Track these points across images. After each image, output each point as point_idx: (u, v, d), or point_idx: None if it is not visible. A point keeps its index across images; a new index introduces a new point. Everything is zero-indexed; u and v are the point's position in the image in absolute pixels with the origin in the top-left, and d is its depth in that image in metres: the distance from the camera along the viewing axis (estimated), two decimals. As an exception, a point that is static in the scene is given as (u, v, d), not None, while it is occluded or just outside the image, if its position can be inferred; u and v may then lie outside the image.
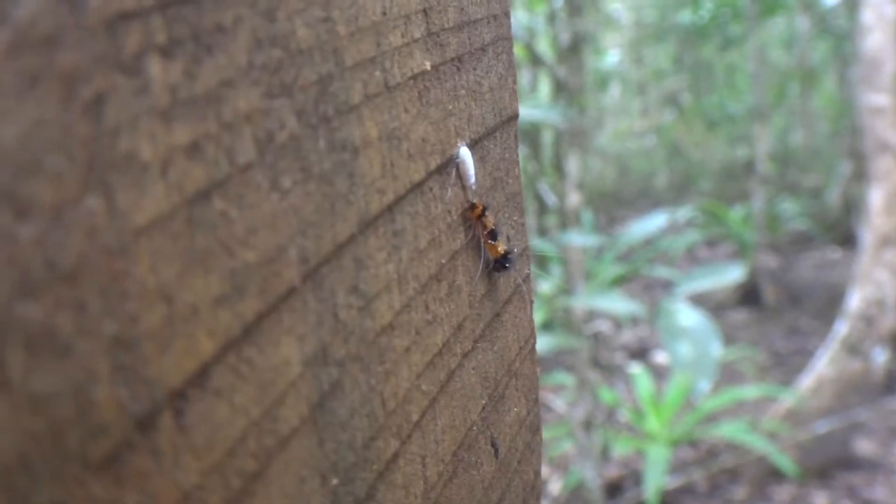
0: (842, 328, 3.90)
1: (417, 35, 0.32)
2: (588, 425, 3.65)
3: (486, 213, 0.38)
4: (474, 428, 0.34)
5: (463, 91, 0.37)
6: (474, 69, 0.38)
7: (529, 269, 0.44)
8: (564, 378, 4.23)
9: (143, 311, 0.19)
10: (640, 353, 6.03)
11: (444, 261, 0.34)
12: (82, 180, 0.18)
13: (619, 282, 6.47)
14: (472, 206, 0.37)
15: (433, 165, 0.33)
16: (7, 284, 0.17)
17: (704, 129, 11.02)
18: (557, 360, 5.34)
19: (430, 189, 0.33)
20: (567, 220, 4.08)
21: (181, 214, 0.20)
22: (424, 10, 0.33)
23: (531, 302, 0.42)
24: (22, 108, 0.17)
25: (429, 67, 0.33)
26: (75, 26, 0.18)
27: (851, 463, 4.02)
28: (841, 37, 8.41)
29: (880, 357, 3.85)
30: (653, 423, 3.79)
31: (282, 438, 0.23)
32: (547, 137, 5.74)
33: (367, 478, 0.26)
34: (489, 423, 0.35)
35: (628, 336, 6.48)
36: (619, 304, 3.58)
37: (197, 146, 0.21)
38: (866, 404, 4.06)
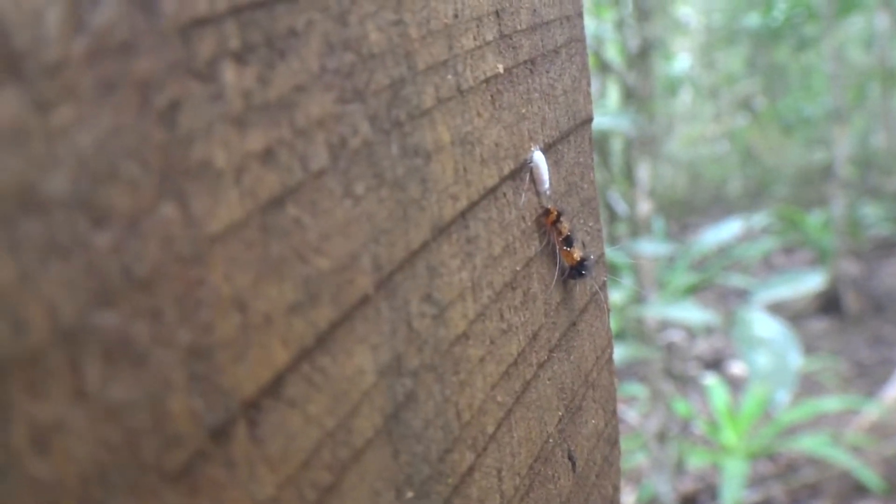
0: (929, 337, 3.75)
1: (490, 37, 0.32)
2: (662, 437, 3.58)
3: (562, 219, 0.37)
4: (551, 440, 0.33)
5: (536, 94, 0.36)
6: (547, 72, 0.37)
7: (606, 277, 0.43)
8: (637, 389, 4.16)
9: (217, 319, 0.18)
10: (715, 363, 5.89)
11: (518, 268, 0.33)
12: (157, 188, 0.18)
13: (693, 291, 6.35)
14: (547, 212, 0.37)
15: (507, 170, 0.33)
16: (84, 293, 0.17)
17: (779, 132, 10.74)
18: (630, 370, 5.26)
19: (504, 194, 0.32)
20: (638, 228, 4.02)
21: (255, 222, 0.20)
22: (497, 12, 0.32)
23: (608, 310, 0.41)
24: (99, 115, 0.17)
25: (501, 70, 0.33)
26: (150, 33, 0.18)
27: (943, 478, 3.85)
28: (924, 35, 8.11)
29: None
30: (729, 436, 3.69)
31: (356, 450, 0.22)
32: (616, 145, 5.68)
33: (443, 491, 0.25)
34: (566, 435, 0.34)
35: (702, 346, 6.35)
36: (692, 313, 3.50)
37: (270, 152, 0.21)
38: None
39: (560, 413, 0.34)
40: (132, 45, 0.18)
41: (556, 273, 0.37)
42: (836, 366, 5.28)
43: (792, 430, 4.37)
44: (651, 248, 3.57)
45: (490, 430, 0.28)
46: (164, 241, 0.18)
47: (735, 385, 5.23)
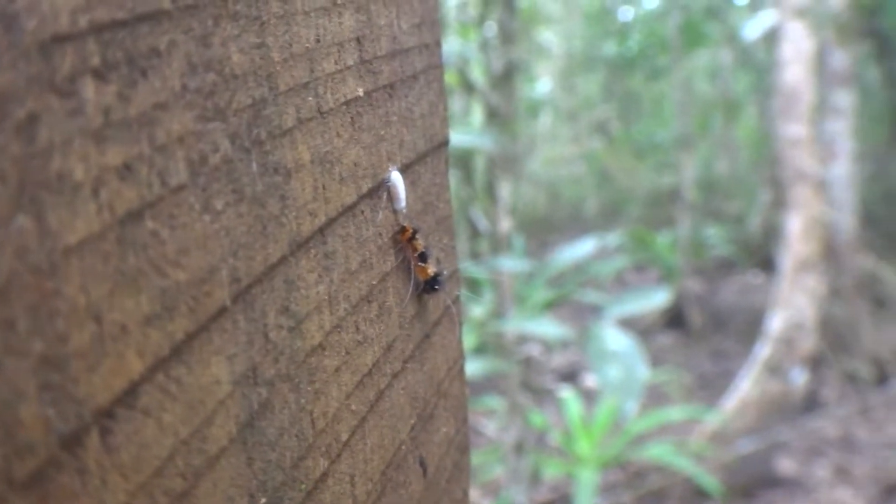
0: (763, 350, 4.03)
1: (350, 62, 0.33)
2: (519, 449, 3.67)
3: (417, 237, 0.39)
4: (403, 447, 0.34)
5: (395, 117, 0.38)
6: (406, 96, 0.39)
7: (459, 292, 0.45)
8: (495, 402, 4.25)
9: (72, 329, 0.19)
10: (570, 376, 6.10)
11: (374, 282, 0.34)
12: (13, 200, 0.18)
13: (550, 306, 6.55)
14: (403, 230, 0.38)
15: (365, 189, 0.34)
16: (-67, 303, 0.17)
17: (632, 156, 11.30)
18: (489, 384, 5.37)
19: (362, 212, 0.34)
20: (499, 245, 4.12)
21: (112, 234, 0.20)
22: (358, 39, 0.34)
23: (460, 324, 0.43)
24: (-48, 128, 0.17)
25: (361, 94, 0.34)
26: (10, 47, 0.18)
27: (773, 482, 4.13)
28: (761, 70, 8.75)
29: (799, 378, 3.98)
30: (582, 446, 3.83)
31: (210, 458, 0.23)
32: (479, 163, 5.80)
33: (296, 497, 0.26)
34: (418, 442, 0.35)
35: (559, 360, 6.56)
36: (549, 328, 3.62)
37: (129, 167, 0.21)
38: (787, 424, 4.18)
39: (412, 421, 0.36)
40: (-9, 59, 0.18)
41: (411, 287, 0.38)
42: (680, 378, 5.58)
43: (641, 440, 4.58)
44: (511, 264, 3.68)
45: (344, 437, 0.30)
46: (19, 252, 0.19)
47: (589, 397, 5.42)
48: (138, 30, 0.21)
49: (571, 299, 6.96)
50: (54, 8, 0.19)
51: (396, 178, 0.36)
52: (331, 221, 0.30)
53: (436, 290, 0.40)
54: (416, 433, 0.35)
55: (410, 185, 0.38)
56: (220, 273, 0.24)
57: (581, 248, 5.01)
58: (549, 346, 5.82)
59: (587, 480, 3.38)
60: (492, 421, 4.82)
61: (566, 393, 4.28)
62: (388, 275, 0.35)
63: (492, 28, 4.59)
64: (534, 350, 5.04)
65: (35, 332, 0.18)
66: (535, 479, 3.96)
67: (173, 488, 0.21)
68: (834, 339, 5.69)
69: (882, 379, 5.23)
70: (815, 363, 5.31)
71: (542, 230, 11.08)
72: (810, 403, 5.06)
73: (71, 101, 0.20)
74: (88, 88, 0.20)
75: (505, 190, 4.15)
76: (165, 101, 0.23)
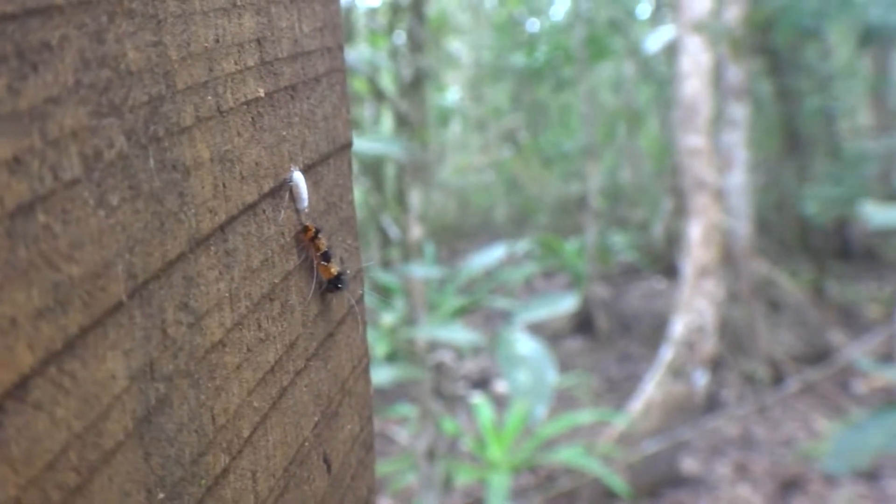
0: (667, 353, 4.15)
1: (251, 63, 0.33)
2: (431, 456, 3.69)
3: (319, 236, 0.40)
4: (307, 444, 0.34)
5: (297, 118, 0.38)
6: (308, 98, 0.40)
7: (363, 291, 0.46)
8: (407, 409, 4.25)
9: (-40, 322, 0.19)
10: (482, 383, 6.15)
11: (277, 280, 0.34)
12: None
13: (461, 313, 6.60)
14: (305, 229, 0.39)
15: (266, 188, 0.34)
16: None
17: (541, 165, 11.49)
18: (400, 391, 5.36)
19: (264, 211, 0.34)
20: (410, 252, 4.13)
21: (2, 227, 0.20)
22: (258, 40, 0.34)
23: (364, 323, 0.43)
24: None
25: (262, 94, 0.34)
26: None
27: (678, 481, 4.26)
28: (662, 82, 9.05)
29: (701, 380, 4.12)
30: (494, 452, 3.87)
31: (105, 452, 0.23)
32: (390, 171, 5.80)
33: (196, 493, 0.26)
34: (322, 439, 0.36)
35: (470, 366, 6.61)
36: (460, 334, 3.65)
37: (19, 160, 0.21)
38: (690, 424, 4.32)
39: (316, 418, 0.36)
40: None
41: (314, 286, 0.39)
42: (588, 382, 5.69)
43: (551, 443, 4.65)
44: (422, 271, 3.69)
45: (246, 433, 0.30)
46: None
47: (500, 403, 5.48)
48: (28, 24, 0.21)
49: (482, 306, 7.02)
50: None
51: (298, 177, 0.37)
52: (231, 219, 0.31)
53: (339, 288, 0.41)
54: (319, 430, 0.36)
55: (313, 185, 0.38)
56: (115, 268, 0.24)
57: (491, 256, 5.07)
58: (460, 352, 5.85)
59: (498, 485, 3.42)
60: (404, 428, 4.82)
61: (477, 399, 4.32)
62: (291, 273, 0.36)
63: (401, 36, 4.61)
64: (445, 357, 5.07)
65: (-80, 324, 0.18)
66: (447, 485, 3.98)
67: (66, 482, 0.21)
68: (733, 341, 5.92)
69: (778, 379, 5.46)
70: (716, 365, 5.51)
71: (453, 238, 11.15)
72: (712, 404, 5.25)
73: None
74: (-24, 81, 0.20)
75: (415, 198, 4.17)
76: (58, 95, 0.22)
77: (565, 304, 3.95)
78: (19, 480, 0.20)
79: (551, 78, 11.67)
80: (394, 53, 4.76)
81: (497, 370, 6.48)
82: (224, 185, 0.30)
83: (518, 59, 11.28)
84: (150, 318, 0.25)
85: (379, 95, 4.93)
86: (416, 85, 4.54)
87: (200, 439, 0.27)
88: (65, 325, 0.22)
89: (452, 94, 12.15)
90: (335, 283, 0.40)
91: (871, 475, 4.14)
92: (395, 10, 4.73)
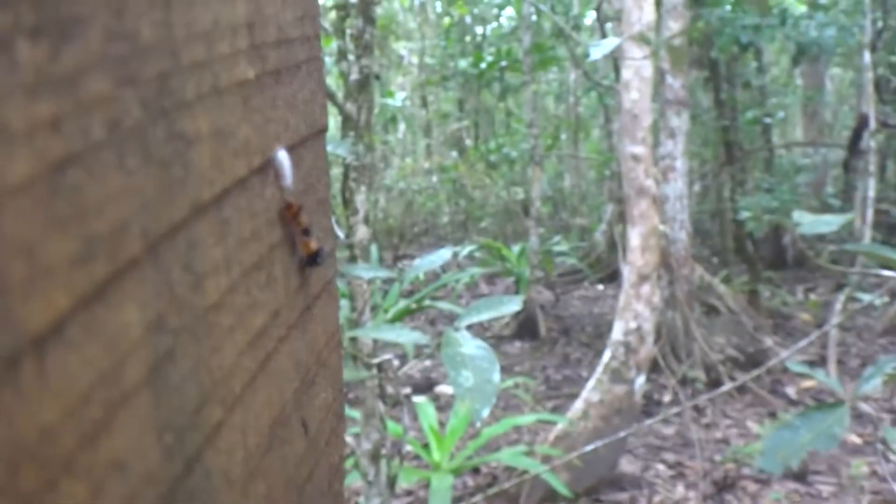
0: (607, 356, 4.23)
1: (242, 46, 0.36)
2: (375, 458, 3.69)
3: (301, 213, 0.42)
4: (287, 407, 0.37)
5: (281, 101, 0.40)
6: (290, 83, 0.42)
7: (336, 270, 0.48)
8: (352, 411, 4.25)
9: (10, 263, 0.21)
10: (427, 384, 6.17)
11: (263, 252, 0.37)
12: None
13: (406, 315, 6.60)
14: (289, 206, 0.41)
15: (255, 164, 0.37)
16: None
17: (485, 170, 11.56)
18: (345, 392, 5.35)
19: (253, 186, 0.36)
20: (355, 253, 4.13)
21: (44, 181, 0.22)
22: (248, 25, 0.36)
23: (338, 299, 0.46)
24: None
25: (252, 76, 0.37)
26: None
27: (618, 482, 4.33)
28: (604, 91, 9.20)
29: (639, 382, 4.21)
30: (437, 453, 3.89)
31: (124, 393, 0.25)
32: (335, 172, 5.80)
33: (197, 440, 0.29)
34: (301, 404, 0.38)
35: (415, 368, 6.62)
36: (405, 335, 3.65)
37: (58, 121, 0.23)
38: (629, 426, 4.41)
39: (296, 385, 0.38)
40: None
41: (295, 260, 0.41)
42: (531, 384, 5.75)
43: (493, 445, 4.69)
44: (368, 272, 3.69)
45: (237, 391, 0.32)
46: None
47: (446, 404, 5.51)
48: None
49: (426, 309, 7.05)
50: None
51: (283, 156, 0.39)
52: (226, 191, 0.33)
53: (318, 264, 0.43)
54: (298, 396, 0.38)
55: (295, 165, 0.41)
56: (133, 226, 0.26)
57: (436, 259, 5.06)
58: (406, 355, 5.87)
59: (440, 486, 3.44)
60: (348, 430, 4.81)
61: (421, 400, 4.34)
62: (276, 246, 0.38)
63: (349, 37, 4.61)
64: (391, 359, 5.07)
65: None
66: (392, 487, 3.98)
67: (94, 416, 0.23)
68: (671, 345, 6.03)
69: (713, 382, 5.58)
70: (654, 368, 5.61)
71: (397, 241, 11.15)
72: (650, 406, 5.35)
73: (7, 58, 0.22)
74: (23, 47, 0.22)
75: (361, 199, 4.17)
76: (87, 65, 0.25)
77: (509, 307, 3.98)
78: (59, 409, 0.22)
79: (496, 84, 11.76)
80: (341, 54, 4.76)
81: (441, 374, 6.49)
82: (220, 159, 0.33)
83: (464, 64, 11.35)
84: (160, 275, 0.28)
85: (326, 96, 4.91)
86: (362, 87, 4.55)
87: (200, 391, 0.29)
88: (93, 275, 0.24)
89: (399, 97, 12.15)
90: (314, 259, 0.43)
91: (802, 475, 4.27)
92: (343, 11, 4.73)
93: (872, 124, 7.98)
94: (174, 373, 0.28)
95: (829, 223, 2.22)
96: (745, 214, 5.93)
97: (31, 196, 0.21)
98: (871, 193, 7.50)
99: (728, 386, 2.91)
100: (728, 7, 6.86)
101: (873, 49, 9.26)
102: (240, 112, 0.35)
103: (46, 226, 0.22)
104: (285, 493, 0.35)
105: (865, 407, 4.66)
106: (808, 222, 2.25)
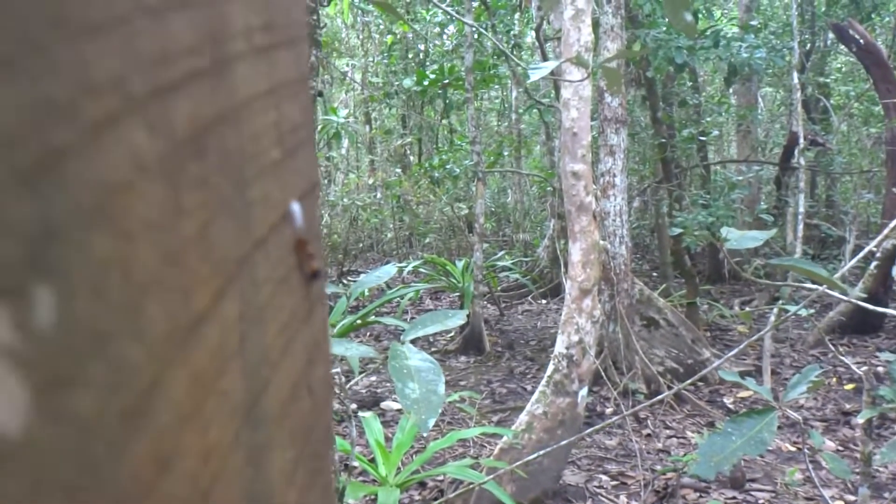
0: (550, 369, 4.34)
1: (273, 138, 0.54)
2: (324, 471, 3.76)
3: (307, 245, 0.60)
4: (300, 375, 0.55)
5: (293, 169, 0.58)
6: (299, 155, 0.60)
7: (326, 287, 0.66)
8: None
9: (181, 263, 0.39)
10: (373, 400, 6.24)
11: (286, 271, 0.54)
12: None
13: (351, 331, 6.67)
14: (300, 240, 0.59)
15: (281, 213, 0.55)
16: None
17: (429, 186, 11.69)
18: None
19: (280, 228, 0.54)
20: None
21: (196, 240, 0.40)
22: (276, 124, 0.54)
23: (326, 305, 0.63)
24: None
25: (278, 157, 0.55)
26: None
27: (562, 493, 4.39)
28: (545, 109, 9.42)
29: (582, 394, 4.34)
30: (383, 468, 3.92)
31: (230, 355, 0.43)
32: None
33: (258, 387, 0.47)
34: (307, 375, 0.56)
35: (360, 384, 6.70)
36: (353, 349, 3.77)
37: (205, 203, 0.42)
38: (572, 437, 4.58)
39: (304, 361, 0.56)
40: None
41: (304, 277, 0.59)
42: (476, 398, 5.84)
43: (439, 458, 4.79)
44: (318, 288, 3.79)
45: (276, 359, 0.50)
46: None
47: (391, 419, 5.61)
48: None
49: (372, 324, 7.14)
50: None
51: (296, 207, 0.57)
52: (268, 232, 0.51)
53: (318, 279, 0.61)
54: (306, 368, 0.56)
55: (302, 212, 0.59)
56: (231, 255, 0.44)
57: (381, 275, 5.18)
58: (351, 370, 5.94)
59: (387, 500, 3.48)
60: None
61: (367, 415, 4.41)
62: (293, 267, 0.56)
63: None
64: (337, 374, 5.18)
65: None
66: (339, 502, 4.05)
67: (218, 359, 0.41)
68: (612, 358, 6.23)
69: (654, 393, 5.75)
70: (596, 380, 5.79)
71: (342, 257, 11.20)
72: (592, 418, 5.52)
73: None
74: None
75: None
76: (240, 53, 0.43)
77: (454, 321, 4.12)
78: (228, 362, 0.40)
79: (440, 101, 11.91)
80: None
81: (387, 390, 6.57)
82: (265, 213, 0.50)
83: (408, 82, 11.51)
84: (242, 284, 0.46)
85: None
86: (312, 108, 4.66)
87: (260, 356, 0.47)
88: (217, 281, 0.42)
89: (342, 113, 12.23)
90: (316, 276, 0.61)
91: (739, 483, 4.44)
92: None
93: (802, 142, 8.34)
94: (249, 342, 0.46)
95: (755, 238, 2.34)
96: (676, 231, 6.21)
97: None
98: (802, 209, 7.84)
99: (666, 394, 3.10)
100: (663, 28, 7.16)
101: (802, 70, 9.70)
102: (272, 181, 0.53)
103: (198, 257, 0.40)
104: (302, 432, 0.54)
105: (797, 416, 4.92)
106: (736, 238, 2.37)
